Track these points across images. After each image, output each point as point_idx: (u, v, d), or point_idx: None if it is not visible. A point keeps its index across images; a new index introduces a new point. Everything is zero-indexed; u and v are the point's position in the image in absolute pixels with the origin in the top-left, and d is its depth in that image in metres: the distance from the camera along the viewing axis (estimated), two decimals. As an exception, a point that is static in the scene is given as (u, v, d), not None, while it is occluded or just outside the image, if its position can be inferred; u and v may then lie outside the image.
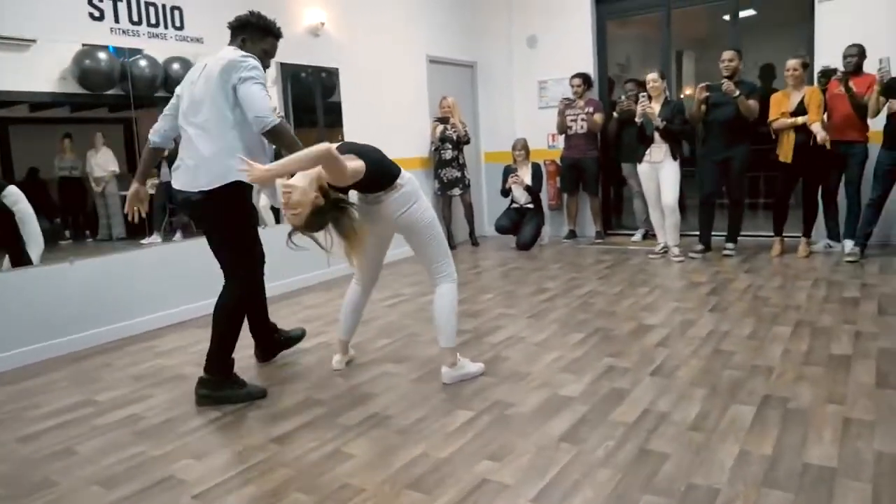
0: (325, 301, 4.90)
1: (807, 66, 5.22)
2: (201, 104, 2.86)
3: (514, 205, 6.81)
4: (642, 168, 5.69)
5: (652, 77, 5.54)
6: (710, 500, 1.98)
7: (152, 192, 3.70)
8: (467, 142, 6.87)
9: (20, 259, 3.85)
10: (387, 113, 6.30)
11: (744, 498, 1.98)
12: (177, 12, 4.50)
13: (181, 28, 4.52)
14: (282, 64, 5.17)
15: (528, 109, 7.47)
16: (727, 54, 5.41)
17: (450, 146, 6.75)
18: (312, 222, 2.61)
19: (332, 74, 5.76)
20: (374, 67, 6.16)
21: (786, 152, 5.29)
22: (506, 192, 6.78)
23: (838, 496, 1.97)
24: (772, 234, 5.72)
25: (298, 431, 2.65)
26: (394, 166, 2.94)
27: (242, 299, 3.05)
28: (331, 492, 2.17)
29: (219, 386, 2.98)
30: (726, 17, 6.75)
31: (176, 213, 4.63)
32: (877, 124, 5.11)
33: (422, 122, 6.88)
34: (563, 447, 2.38)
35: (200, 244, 3.13)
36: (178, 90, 3.06)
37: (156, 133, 3.12)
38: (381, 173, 2.87)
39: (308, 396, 3.03)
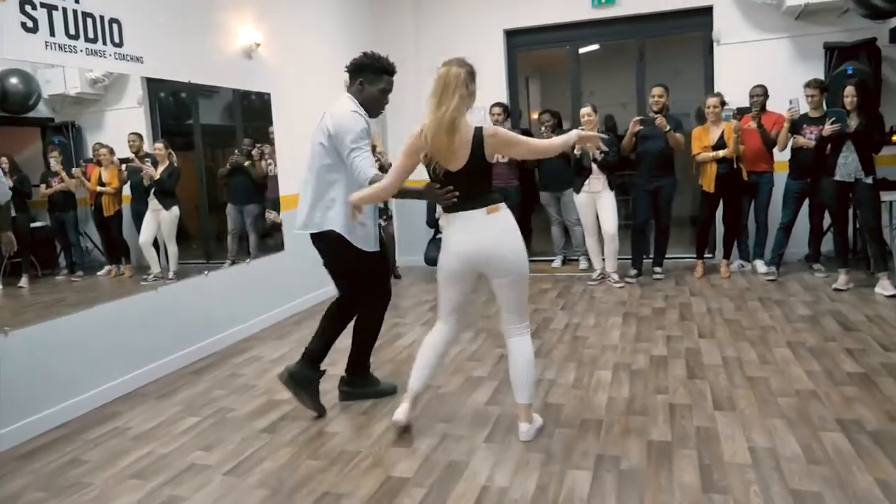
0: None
1: (724, 103, 5.73)
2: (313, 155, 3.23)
3: (440, 235, 6.66)
4: (580, 198, 5.86)
5: (586, 111, 5.73)
6: (350, 459, 2.60)
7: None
8: (387, 170, 6.60)
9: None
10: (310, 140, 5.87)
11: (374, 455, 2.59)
12: (115, 25, 3.79)
13: (120, 45, 3.82)
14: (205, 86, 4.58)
15: (439, 138, 7.36)
16: (657, 90, 5.77)
17: (372, 176, 6.45)
18: None
19: (265, 99, 5.24)
20: (303, 92, 5.71)
21: (708, 182, 5.76)
22: (434, 222, 6.61)
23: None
24: (692, 255, 6.20)
25: None
26: None
27: (378, 322, 3.48)
28: None
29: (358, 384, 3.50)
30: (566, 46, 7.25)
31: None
32: (782, 156, 5.75)
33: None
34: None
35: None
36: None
37: None
38: None
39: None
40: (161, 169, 4.41)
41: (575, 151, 5.69)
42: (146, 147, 4.37)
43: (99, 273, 4.21)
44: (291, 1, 5.67)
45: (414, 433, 3.05)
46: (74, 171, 4.01)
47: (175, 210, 4.52)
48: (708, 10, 6.43)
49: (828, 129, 4.94)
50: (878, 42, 5.81)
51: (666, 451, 2.73)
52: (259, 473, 2.74)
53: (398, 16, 7.21)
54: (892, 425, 2.84)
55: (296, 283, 5.61)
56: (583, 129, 5.56)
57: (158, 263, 4.44)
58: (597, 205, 5.80)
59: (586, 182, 5.78)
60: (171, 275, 4.40)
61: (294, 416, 3.31)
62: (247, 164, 5.32)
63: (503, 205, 2.83)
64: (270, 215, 5.74)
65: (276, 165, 5.52)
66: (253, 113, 5.31)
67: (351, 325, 3.46)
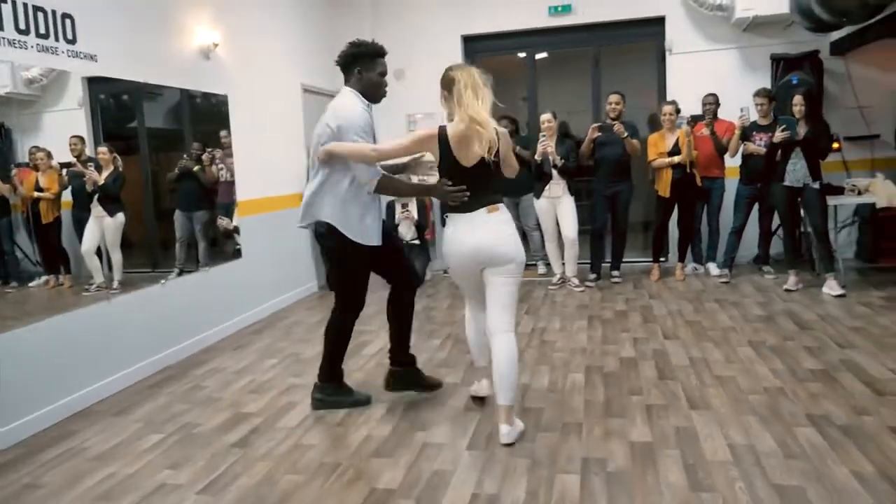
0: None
1: (679, 110, 5.88)
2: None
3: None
4: (541, 203, 5.90)
5: (546, 117, 5.77)
6: (331, 472, 2.57)
7: None
8: (349, 176, 6.51)
9: None
10: (269, 144, 5.74)
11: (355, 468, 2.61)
12: (68, 21, 3.59)
13: (73, 42, 3.62)
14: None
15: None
16: (613, 98, 5.87)
17: (330, 181, 6.34)
18: None
19: (216, 101, 5.08)
20: (258, 95, 5.57)
21: (664, 187, 5.89)
22: (393, 228, 6.54)
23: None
24: (646, 259, 6.32)
25: None
26: None
27: (345, 326, 3.39)
28: None
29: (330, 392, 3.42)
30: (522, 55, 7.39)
31: None
32: (732, 162, 5.94)
33: (299, 154, 6.36)
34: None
35: None
36: None
37: None
38: None
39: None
40: (105, 174, 4.18)
41: (536, 157, 5.73)
42: (88, 151, 4.15)
43: (31, 284, 3.91)
44: (249, 2, 5.52)
45: (393, 443, 2.98)
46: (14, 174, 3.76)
47: (120, 217, 4.30)
48: (660, 21, 6.60)
49: (778, 135, 5.12)
50: (820, 54, 6.08)
51: (649, 451, 2.75)
52: (236, 490, 2.62)
53: (356, 19, 7.12)
54: (858, 419, 2.94)
55: (254, 292, 5.45)
56: (543, 136, 5.67)
57: (101, 273, 4.22)
58: (557, 210, 5.85)
59: (547, 187, 5.83)
60: (115, 284, 4.16)
61: (264, 429, 3.19)
62: (196, 168, 5.12)
63: (502, 204, 2.93)
64: (223, 222, 5.55)
65: (227, 170, 5.35)
66: (203, 116, 5.12)
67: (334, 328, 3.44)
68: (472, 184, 2.83)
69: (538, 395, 3.44)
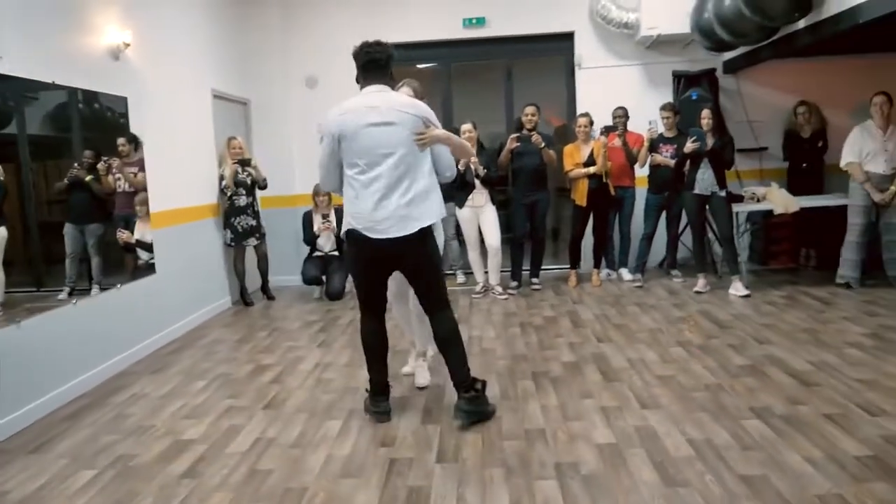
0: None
1: (592, 122, 6.12)
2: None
3: (318, 253, 6.40)
4: (463, 213, 5.93)
5: (467, 127, 5.81)
6: (299, 497, 2.55)
7: None
8: (264, 186, 6.25)
9: None
10: (181, 151, 5.40)
11: (325, 491, 2.59)
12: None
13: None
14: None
15: (309, 153, 7.10)
16: (529, 109, 6.01)
17: (244, 191, 6.06)
18: None
19: (114, 106, 4.68)
20: (168, 99, 5.22)
21: (581, 196, 6.10)
22: (312, 240, 6.33)
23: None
24: (559, 266, 6.52)
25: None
26: None
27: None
28: None
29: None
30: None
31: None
32: (641, 172, 6.26)
33: (210, 163, 6.03)
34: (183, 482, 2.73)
35: None
36: None
37: None
38: None
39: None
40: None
41: (459, 167, 5.75)
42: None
43: None
44: (160, 2, 5.17)
45: (358, 461, 2.87)
46: None
47: (2, 231, 3.84)
48: (570, 36, 6.86)
49: (689, 146, 5.45)
50: (717, 72, 6.56)
51: (617, 452, 2.81)
52: (198, 526, 2.41)
53: (266, 30, 6.87)
54: (795, 408, 3.15)
55: (170, 309, 5.08)
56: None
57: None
58: (480, 219, 5.91)
59: (470, 197, 5.87)
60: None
61: (213, 457, 2.96)
62: (88, 178, 4.69)
63: None
64: (123, 235, 5.14)
65: (126, 180, 4.93)
66: (97, 122, 4.69)
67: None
68: None
69: (494, 403, 3.42)
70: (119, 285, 4.55)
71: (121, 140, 4.89)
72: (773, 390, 3.40)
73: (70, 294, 4.28)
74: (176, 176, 5.32)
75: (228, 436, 3.19)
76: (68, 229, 4.55)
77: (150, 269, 4.94)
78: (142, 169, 4.92)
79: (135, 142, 4.98)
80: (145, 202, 5.03)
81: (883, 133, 5.34)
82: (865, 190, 5.37)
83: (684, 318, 4.94)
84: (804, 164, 6.26)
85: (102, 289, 4.43)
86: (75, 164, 4.55)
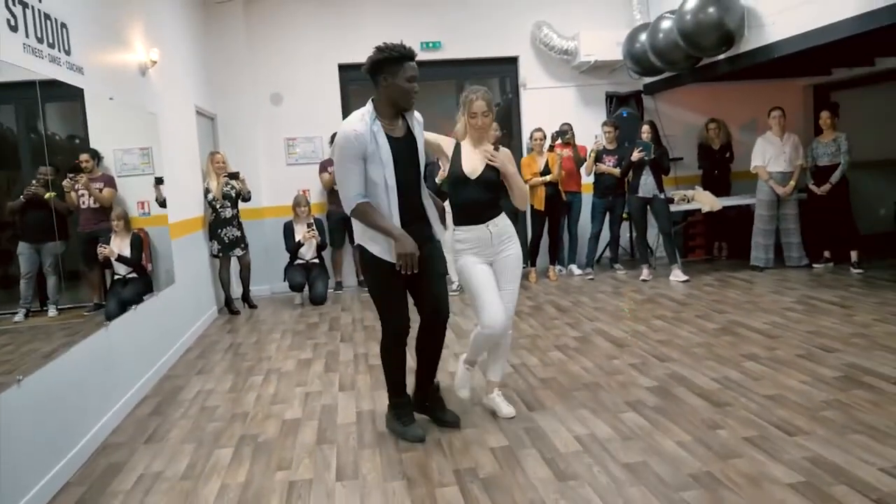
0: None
1: (545, 136, 6.95)
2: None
3: (300, 260, 6.70)
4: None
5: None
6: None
7: None
8: (249, 198, 6.47)
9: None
10: (173, 164, 5.55)
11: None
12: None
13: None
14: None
15: (275, 166, 7.38)
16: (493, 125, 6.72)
17: (229, 203, 6.26)
18: None
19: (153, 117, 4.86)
20: (172, 116, 5.39)
21: (539, 202, 6.90)
22: (294, 248, 6.62)
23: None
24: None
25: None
26: None
27: (387, 345, 3.22)
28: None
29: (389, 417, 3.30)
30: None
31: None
32: (587, 179, 7.18)
33: (197, 176, 6.18)
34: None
35: None
36: None
37: None
38: None
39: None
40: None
41: (437, 180, 6.33)
42: None
43: None
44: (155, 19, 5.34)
45: (255, 488, 2.80)
46: None
47: None
48: (514, 60, 7.69)
49: (636, 155, 6.42)
50: (643, 93, 7.66)
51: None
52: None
53: (232, 51, 7.10)
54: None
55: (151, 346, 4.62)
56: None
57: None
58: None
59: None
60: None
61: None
62: (48, 196, 4.58)
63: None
64: (104, 250, 5.12)
65: (92, 196, 4.73)
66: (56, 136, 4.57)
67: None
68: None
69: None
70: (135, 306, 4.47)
71: (84, 156, 4.70)
72: (754, 341, 4.32)
73: (26, 316, 3.83)
74: (175, 191, 5.47)
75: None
76: (23, 248, 4.06)
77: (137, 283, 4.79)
78: (108, 184, 4.77)
79: (97, 157, 4.82)
80: (122, 216, 4.95)
81: (780, 140, 6.61)
82: (769, 186, 6.60)
83: (645, 300, 5.85)
84: (715, 172, 7.48)
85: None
86: (33, 182, 4.31)
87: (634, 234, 7.59)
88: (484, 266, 3.26)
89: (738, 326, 4.75)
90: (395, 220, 2.98)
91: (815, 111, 8.33)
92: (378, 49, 2.93)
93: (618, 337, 4.70)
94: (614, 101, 7.63)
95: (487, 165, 3.27)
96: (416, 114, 3.15)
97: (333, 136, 6.82)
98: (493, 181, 3.29)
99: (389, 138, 2.97)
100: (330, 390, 3.97)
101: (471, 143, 3.33)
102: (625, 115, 7.45)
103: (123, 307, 4.59)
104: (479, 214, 3.27)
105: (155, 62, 4.70)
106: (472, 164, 3.28)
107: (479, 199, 3.27)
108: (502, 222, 3.33)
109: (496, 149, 3.30)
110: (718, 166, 7.49)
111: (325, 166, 7.04)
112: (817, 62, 7.02)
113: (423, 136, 3.19)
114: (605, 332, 4.86)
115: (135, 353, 4.15)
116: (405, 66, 2.93)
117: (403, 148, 3.02)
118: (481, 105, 3.24)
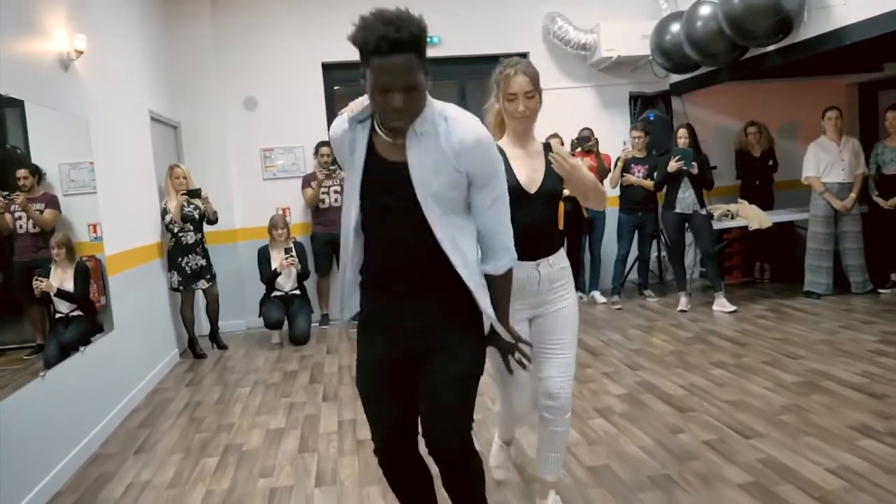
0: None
1: (563, 143, 5.98)
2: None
3: (277, 293, 5.69)
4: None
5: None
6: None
7: None
8: (215, 220, 5.46)
9: None
10: (114, 181, 4.55)
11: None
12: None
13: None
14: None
15: (250, 180, 6.38)
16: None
17: (191, 227, 5.25)
18: None
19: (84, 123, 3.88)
20: (111, 121, 4.39)
21: (559, 220, 5.91)
22: (271, 279, 5.61)
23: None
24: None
25: None
26: None
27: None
28: None
29: None
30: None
31: None
32: (612, 192, 6.21)
33: (152, 195, 5.18)
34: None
35: None
36: None
37: None
38: None
39: None
40: None
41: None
42: None
43: None
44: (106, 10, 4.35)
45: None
46: None
47: None
48: (524, 56, 6.69)
49: (673, 165, 5.45)
50: (671, 94, 6.71)
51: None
52: None
53: (197, 47, 6.11)
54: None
55: (127, 370, 4.21)
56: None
57: None
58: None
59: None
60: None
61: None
62: None
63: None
64: (41, 284, 4.19)
65: (31, 219, 4.00)
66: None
67: None
68: None
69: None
70: (83, 348, 3.68)
71: (21, 171, 3.97)
72: (854, 401, 3.34)
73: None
74: (128, 213, 4.49)
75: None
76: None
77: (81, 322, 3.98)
78: (50, 205, 3.91)
79: (38, 174, 4.11)
80: (63, 243, 4.05)
81: (837, 145, 5.67)
82: (825, 200, 5.65)
83: (692, 338, 4.88)
84: (756, 182, 6.52)
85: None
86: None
87: (665, 255, 6.65)
88: (520, 324, 2.27)
89: (823, 378, 3.76)
90: (349, 272, 1.92)
91: (860, 112, 7.48)
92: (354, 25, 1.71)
93: (675, 396, 3.71)
94: (640, 103, 6.68)
95: (548, 171, 2.28)
96: (462, 132, 1.77)
97: (318, 145, 6.14)
98: (556, 193, 2.33)
99: (375, 153, 1.84)
100: (305, 482, 2.98)
101: (511, 140, 2.33)
102: (651, 118, 6.50)
103: (66, 352, 3.76)
104: (536, 247, 2.26)
105: (81, 52, 3.67)
106: (526, 171, 2.28)
107: (542, 221, 2.31)
108: (558, 263, 2.34)
109: (548, 147, 2.32)
110: (760, 176, 6.53)
111: (307, 181, 6.08)
112: (869, 56, 6.12)
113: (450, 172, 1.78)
114: (655, 386, 3.88)
115: (67, 417, 3.24)
116: (370, 61, 1.70)
117: (395, 176, 1.80)
118: (523, 82, 2.21)
